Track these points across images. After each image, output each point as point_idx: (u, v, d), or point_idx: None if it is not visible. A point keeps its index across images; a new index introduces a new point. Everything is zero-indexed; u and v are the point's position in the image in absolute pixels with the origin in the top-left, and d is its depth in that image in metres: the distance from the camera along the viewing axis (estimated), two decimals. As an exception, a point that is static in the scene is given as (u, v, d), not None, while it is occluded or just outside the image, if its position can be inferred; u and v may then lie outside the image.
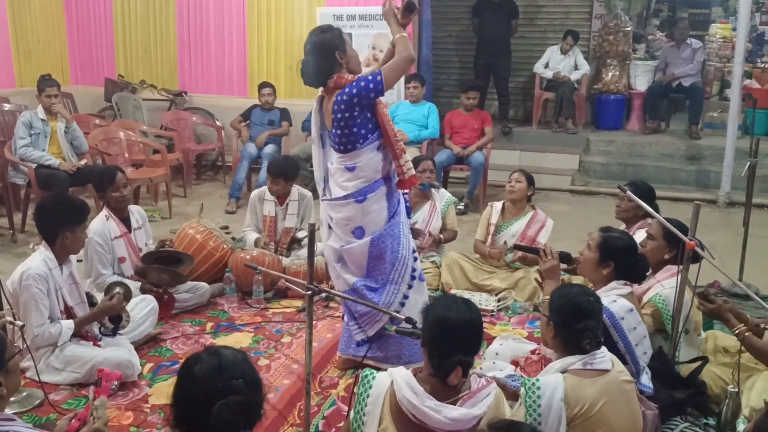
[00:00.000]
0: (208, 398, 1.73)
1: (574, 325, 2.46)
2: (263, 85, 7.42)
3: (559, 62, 8.48)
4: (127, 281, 4.09)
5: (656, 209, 3.49)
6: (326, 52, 3.27)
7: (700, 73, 8.59)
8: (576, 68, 8.45)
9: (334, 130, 3.33)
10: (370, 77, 3.25)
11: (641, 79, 8.83)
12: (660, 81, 8.46)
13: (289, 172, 4.92)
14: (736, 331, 3.08)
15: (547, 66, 8.55)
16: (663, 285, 3.37)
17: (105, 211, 4.23)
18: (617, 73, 8.70)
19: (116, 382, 2.38)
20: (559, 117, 8.55)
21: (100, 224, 4.16)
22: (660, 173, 7.84)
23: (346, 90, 3.24)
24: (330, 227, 3.51)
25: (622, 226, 4.16)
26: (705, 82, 8.87)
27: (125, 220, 4.29)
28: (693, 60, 8.29)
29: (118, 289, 3.63)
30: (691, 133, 8.26)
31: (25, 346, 3.30)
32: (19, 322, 2.97)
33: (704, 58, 8.84)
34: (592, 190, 7.69)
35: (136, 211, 4.41)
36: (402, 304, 3.49)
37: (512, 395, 2.60)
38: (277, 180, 4.87)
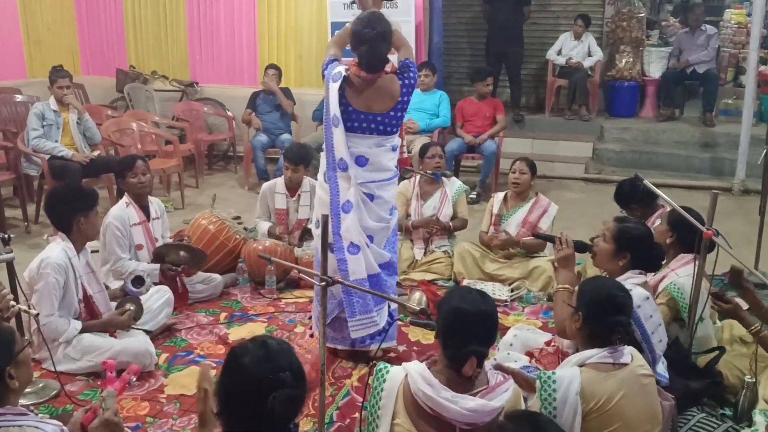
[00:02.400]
0: (259, 390, 1.74)
1: (607, 318, 2.41)
2: (269, 67, 7.35)
3: (572, 49, 8.39)
4: (145, 265, 4.15)
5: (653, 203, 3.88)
6: (390, 40, 3.44)
7: (715, 59, 8.47)
8: (589, 55, 8.36)
9: (392, 113, 3.42)
10: (411, 65, 3.48)
11: (655, 66, 8.73)
12: (674, 68, 8.37)
13: (306, 157, 5.06)
14: (753, 330, 3.09)
15: (559, 53, 8.46)
16: (678, 273, 3.34)
17: (126, 198, 4.28)
18: (631, 59, 8.61)
19: (134, 376, 2.39)
20: (573, 104, 8.48)
21: (120, 210, 4.22)
22: (674, 161, 7.78)
23: (410, 75, 3.44)
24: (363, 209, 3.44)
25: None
26: (719, 69, 8.75)
27: (144, 209, 4.33)
28: (707, 46, 8.17)
29: (129, 305, 3.65)
30: (705, 120, 8.17)
31: (40, 335, 3.32)
32: (33, 311, 2.99)
33: (719, 44, 8.72)
34: (606, 178, 7.59)
35: (155, 202, 4.45)
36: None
37: (530, 386, 2.58)
38: (297, 167, 4.91)
